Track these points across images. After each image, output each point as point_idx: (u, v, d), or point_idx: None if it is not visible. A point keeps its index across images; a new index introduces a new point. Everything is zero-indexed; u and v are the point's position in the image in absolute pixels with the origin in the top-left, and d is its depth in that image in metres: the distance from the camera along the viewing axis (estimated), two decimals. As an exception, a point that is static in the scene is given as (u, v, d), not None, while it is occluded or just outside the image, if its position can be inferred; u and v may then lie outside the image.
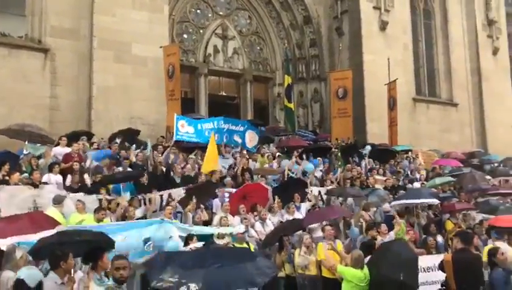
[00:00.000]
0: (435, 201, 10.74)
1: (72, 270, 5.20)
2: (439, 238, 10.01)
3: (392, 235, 9.56)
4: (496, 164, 19.31)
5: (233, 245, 8.55)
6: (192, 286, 4.07)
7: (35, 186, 9.34)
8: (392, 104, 20.06)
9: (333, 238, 8.96)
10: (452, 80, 24.39)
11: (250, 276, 4.34)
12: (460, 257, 7.19)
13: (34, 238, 6.16)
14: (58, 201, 8.63)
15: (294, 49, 23.03)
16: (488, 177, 15.42)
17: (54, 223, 6.88)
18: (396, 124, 19.89)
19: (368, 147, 17.15)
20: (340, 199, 11.81)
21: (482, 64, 25.23)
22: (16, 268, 5.95)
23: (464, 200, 12.87)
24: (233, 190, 11.16)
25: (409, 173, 16.00)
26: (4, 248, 6.34)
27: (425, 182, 14.76)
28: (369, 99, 20.82)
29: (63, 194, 8.97)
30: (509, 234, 9.02)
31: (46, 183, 9.74)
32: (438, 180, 14.26)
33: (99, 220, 8.60)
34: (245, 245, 8.73)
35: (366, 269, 6.93)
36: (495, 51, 25.82)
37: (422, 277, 6.84)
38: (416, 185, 14.41)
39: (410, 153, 18.54)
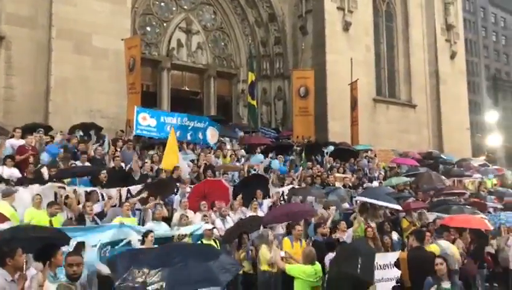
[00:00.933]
0: (398, 207, 10.97)
1: (24, 267, 5.01)
2: (395, 236, 10.23)
3: (350, 233, 9.71)
4: (450, 165, 19.93)
5: (201, 241, 8.49)
6: (156, 286, 4.00)
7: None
8: (353, 104, 20.38)
9: (301, 238, 9.01)
10: (411, 81, 25.05)
11: (214, 275, 4.29)
12: (415, 254, 7.42)
13: None
14: (7, 194, 8.28)
15: (258, 46, 23.06)
16: (443, 177, 15.89)
17: (3, 217, 6.61)
18: (358, 124, 20.23)
19: (331, 147, 17.37)
20: (301, 197, 11.89)
21: (440, 67, 26.06)
22: None
23: (421, 200, 13.22)
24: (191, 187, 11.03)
25: (367, 171, 16.29)
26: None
27: (383, 181, 15.07)
28: (331, 98, 21.10)
29: (13, 188, 8.60)
30: (459, 231, 9.32)
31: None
32: (394, 180, 14.57)
33: (52, 215, 8.32)
34: (212, 242, 8.65)
35: (317, 265, 7.04)
36: (453, 55, 26.71)
37: (378, 273, 6.95)
38: (375, 183, 14.69)
39: (369, 152, 18.90)
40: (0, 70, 14.69)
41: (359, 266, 6.28)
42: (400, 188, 13.96)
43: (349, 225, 10.32)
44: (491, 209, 12.80)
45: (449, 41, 26.65)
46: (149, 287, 4.30)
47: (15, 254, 4.85)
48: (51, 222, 8.19)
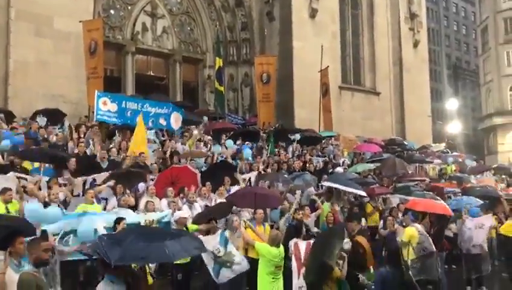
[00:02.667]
0: (363, 193, 11.24)
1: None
2: (363, 222, 10.51)
3: (313, 217, 9.92)
4: (412, 151, 20.46)
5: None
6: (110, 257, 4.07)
7: None
8: (325, 91, 20.52)
9: (262, 222, 9.13)
10: (376, 69, 25.47)
11: (166, 251, 4.40)
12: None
13: None
14: None
15: (225, 32, 22.87)
16: (406, 163, 16.31)
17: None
18: (330, 111, 20.41)
19: (297, 135, 17.52)
20: (268, 182, 11.98)
21: (403, 55, 26.59)
22: None
23: (385, 185, 13.56)
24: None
25: (332, 158, 16.53)
26: None
27: (347, 167, 15.34)
28: (297, 85, 21.22)
29: None
30: (423, 216, 9.63)
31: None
32: (359, 167, 14.86)
33: (6, 201, 8.08)
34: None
35: (281, 248, 7.51)
36: (416, 44, 27.28)
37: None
38: (340, 169, 14.94)
39: (333, 139, 19.17)
40: (-45, 53, 14.08)
41: (326, 252, 6.51)
42: (364, 174, 14.26)
43: (313, 210, 10.53)
44: (451, 195, 13.23)
45: (412, 30, 27.19)
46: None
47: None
48: (7, 209, 7.97)
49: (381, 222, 10.74)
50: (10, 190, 8.14)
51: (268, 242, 7.58)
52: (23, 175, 9.28)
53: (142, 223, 8.37)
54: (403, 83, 26.43)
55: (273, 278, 7.36)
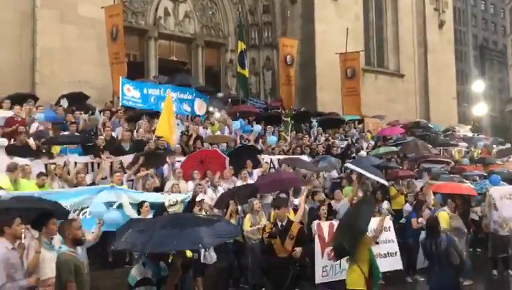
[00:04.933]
0: (385, 182, 11.21)
1: (23, 236, 5.10)
2: (386, 205, 10.51)
3: (345, 202, 9.95)
4: (437, 134, 20.18)
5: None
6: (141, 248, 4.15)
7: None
8: (351, 74, 20.33)
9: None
10: (400, 51, 25.06)
11: (197, 237, 4.39)
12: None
13: None
14: (12, 168, 8.30)
15: (247, 15, 22.76)
16: (430, 146, 16.13)
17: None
18: (359, 94, 20.26)
19: (319, 117, 17.46)
20: (291, 166, 12.03)
21: (428, 36, 26.06)
22: None
23: (407, 168, 13.47)
24: (183, 158, 11.11)
25: (354, 141, 16.44)
26: None
27: (371, 151, 15.27)
28: (319, 68, 21.07)
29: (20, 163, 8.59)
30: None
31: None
32: (382, 150, 14.77)
33: (40, 186, 8.38)
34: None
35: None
36: (441, 24, 26.69)
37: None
38: (363, 153, 14.88)
39: (356, 122, 19.04)
40: (-15, 40, 14.40)
41: (358, 216, 6.59)
42: (387, 157, 14.18)
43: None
44: (476, 177, 13.08)
45: (438, 10, 26.59)
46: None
47: (13, 223, 4.93)
48: (40, 191, 8.26)
49: (407, 204, 10.73)
50: (44, 175, 8.43)
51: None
52: (51, 161, 9.56)
53: (166, 203, 8.59)
54: (428, 64, 25.96)
55: None
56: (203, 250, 8.05)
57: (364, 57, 23.30)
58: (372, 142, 16.44)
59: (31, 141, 10.04)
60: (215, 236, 4.52)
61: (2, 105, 11.68)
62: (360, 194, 10.73)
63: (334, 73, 20.39)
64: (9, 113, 11.12)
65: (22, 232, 5.03)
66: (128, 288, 4.26)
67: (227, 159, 11.48)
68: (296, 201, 9.14)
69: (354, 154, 14.21)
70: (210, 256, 8.35)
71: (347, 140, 15.79)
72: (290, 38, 20.83)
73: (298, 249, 6.75)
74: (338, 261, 8.63)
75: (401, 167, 13.35)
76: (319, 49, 21.14)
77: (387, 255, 9.12)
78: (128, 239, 4.31)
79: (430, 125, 21.83)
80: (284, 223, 6.91)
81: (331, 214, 9.40)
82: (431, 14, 26.32)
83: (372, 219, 7.20)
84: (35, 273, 5.37)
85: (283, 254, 6.86)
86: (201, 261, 8.21)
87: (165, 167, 10.69)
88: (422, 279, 9.49)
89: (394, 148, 15.04)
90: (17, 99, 12.25)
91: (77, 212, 7.60)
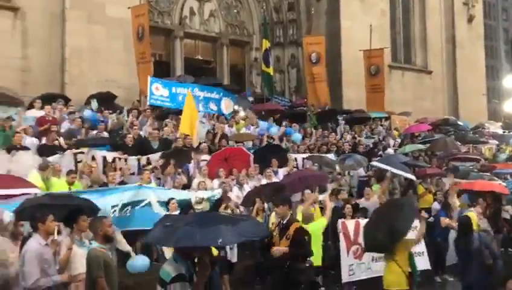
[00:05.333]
0: (412, 177, 11.07)
1: (56, 232, 5.23)
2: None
3: (376, 200, 9.87)
4: (466, 131, 19.79)
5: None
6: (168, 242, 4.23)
7: (14, 148, 9.16)
8: (375, 71, 20.18)
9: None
10: (427, 47, 24.64)
11: (219, 235, 4.43)
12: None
13: (13, 192, 6.25)
14: (43, 167, 8.51)
15: (271, 13, 22.72)
16: (459, 143, 15.84)
17: (31, 184, 6.85)
18: (383, 91, 20.09)
19: (345, 115, 17.35)
20: (316, 165, 12.00)
21: (457, 31, 25.52)
22: (5, 232, 6.05)
23: (436, 166, 13.25)
24: (209, 157, 11.20)
25: (380, 138, 16.28)
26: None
27: (398, 148, 15.08)
28: (345, 65, 20.90)
29: (51, 160, 8.80)
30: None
31: (24, 147, 9.54)
32: (408, 148, 14.58)
33: (70, 183, 8.57)
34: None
35: (311, 226, 7.45)
36: (470, 19, 26.10)
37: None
38: (390, 151, 14.72)
39: (383, 119, 18.84)
40: (17, 42, 14.74)
41: (400, 216, 6.36)
42: (415, 155, 13.98)
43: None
44: (508, 175, 12.77)
45: (467, 4, 26.00)
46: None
47: (46, 219, 5.06)
48: (70, 189, 8.45)
49: (435, 203, 10.56)
50: (74, 172, 8.62)
51: (302, 221, 7.59)
52: (79, 150, 9.76)
53: (193, 201, 8.69)
54: (456, 60, 25.42)
55: None
56: (228, 248, 8.11)
57: (390, 53, 23.04)
58: (399, 140, 16.24)
59: (61, 140, 10.27)
60: (237, 235, 4.54)
61: (33, 105, 11.96)
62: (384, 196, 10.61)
63: (360, 70, 20.21)
64: (41, 113, 11.40)
65: (54, 228, 5.16)
66: (160, 283, 4.31)
67: (252, 156, 11.53)
68: (321, 197, 9.10)
69: (380, 152, 14.06)
70: (232, 254, 8.40)
71: (373, 138, 15.63)
72: (315, 36, 20.72)
73: (275, 249, 6.27)
74: (363, 260, 8.63)
75: (429, 165, 13.14)
76: (344, 46, 20.97)
77: (415, 254, 8.98)
78: (155, 233, 4.40)
79: (458, 122, 21.42)
80: (284, 222, 6.49)
81: (357, 212, 9.33)
82: (460, 8, 25.77)
83: None
84: (66, 269, 5.50)
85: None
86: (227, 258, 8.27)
87: (191, 165, 10.80)
88: (452, 279, 9.34)
89: (421, 146, 14.82)
90: (48, 99, 12.55)
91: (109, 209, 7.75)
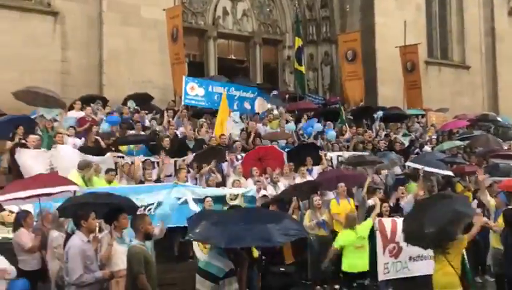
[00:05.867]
0: (449, 173, 10.83)
1: (97, 229, 5.41)
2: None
3: (410, 198, 9.73)
4: (507, 128, 19.18)
5: None
6: (217, 241, 4.31)
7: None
8: (411, 67, 19.89)
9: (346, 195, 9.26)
10: (465, 41, 23.98)
11: (267, 235, 4.49)
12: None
13: (53, 191, 6.44)
14: (82, 166, 8.78)
15: (304, 11, 22.62)
16: (500, 140, 15.37)
17: (69, 181, 7.09)
18: (420, 87, 19.79)
19: (380, 112, 17.13)
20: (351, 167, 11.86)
21: (496, 24, 24.72)
22: (62, 228, 6.43)
23: (475, 163, 12.90)
24: (243, 155, 11.28)
25: (419, 136, 15.98)
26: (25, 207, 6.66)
27: (434, 145, 14.77)
28: (380, 62, 20.62)
29: (89, 160, 9.08)
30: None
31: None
32: (446, 145, 14.26)
33: (109, 181, 8.81)
34: None
35: (359, 228, 7.63)
36: (511, 11, 25.23)
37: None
38: (427, 148, 14.44)
39: (420, 117, 18.49)
40: (57, 45, 15.20)
41: (458, 202, 5.89)
42: (453, 152, 13.66)
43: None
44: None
45: (507, -5, 25.18)
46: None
47: (88, 217, 5.23)
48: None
49: (474, 201, 10.29)
50: (113, 170, 8.86)
51: (344, 224, 7.84)
52: (119, 154, 10.03)
53: (227, 197, 8.79)
54: (496, 54, 24.61)
55: (357, 256, 7.43)
56: None
57: (427, 49, 22.56)
58: (435, 137, 15.89)
59: (101, 141, 10.57)
60: (284, 234, 4.60)
61: (73, 106, 12.33)
62: (421, 192, 10.42)
63: (395, 67, 19.88)
64: (81, 114, 11.75)
65: (96, 226, 5.33)
66: (210, 278, 4.43)
67: (285, 154, 11.54)
68: (370, 202, 9.10)
69: (417, 150, 13.81)
70: None
71: (410, 135, 15.36)
72: (351, 33, 20.52)
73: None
74: (400, 259, 8.52)
75: (468, 162, 12.82)
76: (379, 42, 20.67)
77: (418, 258, 8.77)
78: (203, 231, 4.47)
79: (498, 118, 20.76)
80: None
81: (394, 211, 9.23)
82: (499, 1, 24.95)
83: None
84: (107, 265, 5.67)
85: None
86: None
87: (225, 164, 10.91)
88: (493, 279, 9.09)
89: (459, 143, 14.47)
90: (87, 101, 12.92)
91: (143, 208, 7.93)
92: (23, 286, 6.08)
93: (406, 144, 14.26)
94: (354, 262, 7.47)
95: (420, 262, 8.49)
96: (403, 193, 9.93)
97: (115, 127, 11.63)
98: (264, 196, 9.51)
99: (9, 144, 9.65)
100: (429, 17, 23.34)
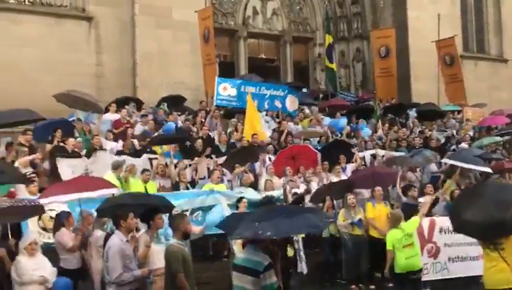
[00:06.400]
0: (487, 169, 10.53)
1: (135, 229, 5.51)
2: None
3: (446, 196, 9.54)
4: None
5: None
6: (267, 233, 4.42)
7: (93, 150, 9.74)
8: (450, 61, 19.52)
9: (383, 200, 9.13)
10: (502, 34, 23.25)
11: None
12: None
13: (93, 195, 6.61)
14: (116, 166, 8.96)
15: (335, 8, 22.42)
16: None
17: (111, 184, 7.23)
18: (461, 80, 19.42)
19: (414, 110, 16.81)
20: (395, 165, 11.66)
21: (536, 15, 23.84)
22: (104, 226, 6.61)
23: (514, 160, 12.51)
24: (275, 156, 11.27)
25: (454, 132, 15.60)
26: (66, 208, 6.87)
27: (471, 142, 14.38)
28: (413, 57, 20.24)
29: (121, 159, 9.26)
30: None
31: (102, 148, 10.11)
32: (485, 141, 13.85)
33: (145, 181, 8.97)
34: None
35: (405, 225, 7.39)
36: (550, 1, 24.28)
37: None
38: (464, 145, 14.08)
39: (455, 113, 18.04)
40: (92, 49, 15.57)
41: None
42: (491, 148, 13.27)
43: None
44: None
45: (546, -14, 24.23)
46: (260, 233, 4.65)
47: (127, 217, 5.34)
48: (145, 188, 8.84)
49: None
50: (148, 170, 9.02)
51: (390, 224, 7.63)
52: (154, 156, 10.20)
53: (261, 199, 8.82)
54: (536, 46, 23.79)
55: (406, 255, 7.30)
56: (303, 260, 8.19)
57: (462, 42, 21.99)
58: (471, 133, 15.48)
59: (136, 142, 10.77)
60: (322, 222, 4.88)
61: (108, 109, 12.60)
62: (461, 188, 10.18)
63: (430, 61, 19.44)
64: (116, 116, 11.99)
65: (135, 225, 5.44)
66: (250, 273, 4.51)
67: (319, 154, 11.47)
68: (421, 200, 8.97)
69: (454, 147, 13.48)
70: (302, 268, 8.39)
71: (446, 131, 15.02)
72: (384, 29, 20.23)
73: None
74: (439, 260, 8.35)
75: (507, 159, 12.43)
76: (412, 37, 20.28)
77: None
78: (247, 229, 4.57)
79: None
80: None
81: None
82: (538, -9, 24.06)
83: None
84: (145, 264, 5.78)
85: None
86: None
87: (257, 164, 10.93)
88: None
89: (499, 139, 14.04)
90: (122, 103, 13.18)
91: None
92: (66, 285, 6.27)
93: (442, 140, 13.94)
94: (404, 262, 7.33)
95: (460, 263, 8.31)
96: (430, 191, 9.72)
97: (150, 126, 11.84)
98: (296, 193, 9.49)
99: (48, 146, 9.95)
100: (464, 9, 22.75)
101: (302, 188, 10.17)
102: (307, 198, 9.30)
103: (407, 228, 7.38)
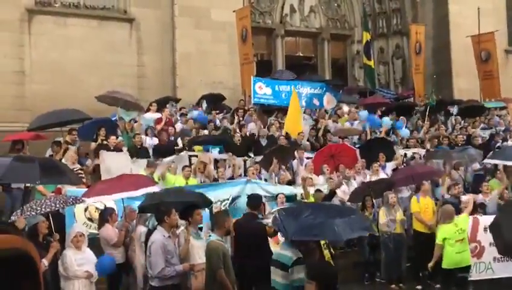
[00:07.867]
0: None
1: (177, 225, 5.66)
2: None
3: (494, 195, 9.27)
4: None
5: None
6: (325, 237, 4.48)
7: (135, 150, 10.03)
8: (486, 57, 18.92)
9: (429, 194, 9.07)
10: (551, 26, 22.27)
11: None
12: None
13: (135, 194, 6.78)
14: (151, 165, 9.21)
15: (373, 4, 22.11)
16: None
17: (153, 182, 7.42)
18: (496, 77, 18.83)
19: (456, 108, 16.37)
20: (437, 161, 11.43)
21: None
22: (146, 222, 6.81)
23: None
24: (312, 155, 11.25)
25: (499, 130, 15.08)
26: (110, 204, 7.10)
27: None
28: (455, 53, 19.70)
29: (158, 161, 9.51)
30: None
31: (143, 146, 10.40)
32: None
33: (186, 177, 9.17)
34: None
35: (457, 220, 7.29)
36: None
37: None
38: (509, 143, 13.60)
39: (498, 109, 17.43)
40: (133, 50, 16.00)
41: None
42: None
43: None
44: None
45: None
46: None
47: (171, 213, 5.49)
48: (187, 183, 9.04)
49: None
50: (189, 166, 9.22)
51: (442, 219, 7.53)
52: (194, 153, 10.41)
53: (298, 197, 8.86)
54: None
55: (457, 250, 7.25)
56: None
57: (507, 37, 21.23)
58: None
59: (179, 140, 11.03)
60: (350, 230, 4.69)
61: (150, 108, 12.92)
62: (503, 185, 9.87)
63: (471, 57, 18.92)
64: (157, 115, 12.28)
65: (177, 221, 5.58)
66: (280, 267, 4.58)
67: (357, 151, 11.39)
68: (464, 198, 8.81)
69: (499, 144, 13.05)
70: None
71: (490, 128, 14.55)
72: (419, 25, 19.78)
73: None
74: (483, 259, 8.14)
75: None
76: (453, 32, 19.74)
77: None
78: (296, 229, 4.61)
79: None
80: None
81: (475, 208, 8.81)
82: None
83: None
84: (186, 259, 5.92)
85: None
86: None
87: (294, 162, 10.94)
88: None
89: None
90: (162, 103, 13.49)
91: (219, 203, 8.21)
92: (111, 261, 6.46)
93: (486, 138, 13.53)
94: (455, 258, 7.23)
95: (505, 263, 8.06)
96: (487, 190, 9.47)
97: (192, 123, 12.07)
98: (319, 190, 9.41)
99: (93, 145, 10.31)
100: (509, 2, 21.93)
101: (342, 186, 10.08)
102: (339, 192, 9.25)
103: (461, 223, 7.34)
